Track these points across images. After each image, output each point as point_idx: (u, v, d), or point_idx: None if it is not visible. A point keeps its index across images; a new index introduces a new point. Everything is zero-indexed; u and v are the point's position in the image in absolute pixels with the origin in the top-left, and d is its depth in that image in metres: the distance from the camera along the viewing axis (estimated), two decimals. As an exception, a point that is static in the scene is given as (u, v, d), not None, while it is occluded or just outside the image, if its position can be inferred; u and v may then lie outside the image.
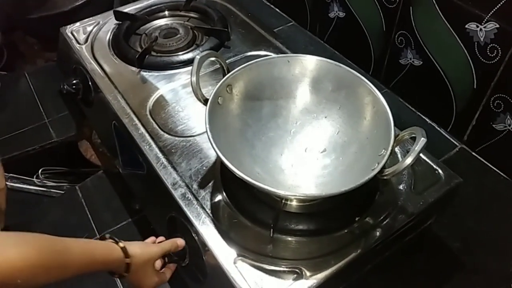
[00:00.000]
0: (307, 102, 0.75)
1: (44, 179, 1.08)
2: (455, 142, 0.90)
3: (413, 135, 0.58)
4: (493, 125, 0.81)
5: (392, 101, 0.79)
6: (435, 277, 0.73)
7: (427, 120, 0.94)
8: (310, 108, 0.75)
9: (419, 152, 0.55)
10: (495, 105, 0.79)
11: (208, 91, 0.70)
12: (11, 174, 1.04)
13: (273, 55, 0.95)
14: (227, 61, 0.76)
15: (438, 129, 0.92)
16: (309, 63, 0.73)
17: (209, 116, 0.65)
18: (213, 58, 0.71)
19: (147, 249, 0.64)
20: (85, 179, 1.00)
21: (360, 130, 0.69)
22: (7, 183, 0.83)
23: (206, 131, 0.63)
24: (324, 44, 1.12)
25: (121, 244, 0.61)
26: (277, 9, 1.24)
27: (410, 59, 0.91)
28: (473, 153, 0.88)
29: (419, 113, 0.95)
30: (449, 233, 0.77)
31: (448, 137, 0.91)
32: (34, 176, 1.07)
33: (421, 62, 0.89)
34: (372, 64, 1.02)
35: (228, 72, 0.71)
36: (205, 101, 0.68)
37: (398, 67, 0.95)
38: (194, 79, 0.68)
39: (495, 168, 0.85)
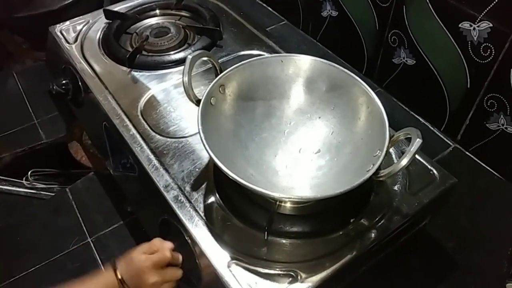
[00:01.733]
0: (301, 103, 0.74)
1: (33, 181, 1.06)
2: (448, 142, 0.89)
3: (408, 136, 0.58)
4: (487, 125, 0.81)
5: (386, 100, 0.79)
6: (430, 277, 0.73)
7: (421, 119, 0.94)
8: (304, 108, 0.74)
9: (415, 153, 0.55)
10: (488, 104, 0.79)
11: (200, 91, 0.69)
12: (-1, 177, 1.03)
13: (266, 54, 0.94)
14: (219, 61, 0.74)
15: (432, 128, 0.92)
16: (303, 63, 0.72)
17: (202, 117, 0.64)
18: (205, 58, 0.70)
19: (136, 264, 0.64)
20: (75, 181, 0.99)
21: (355, 131, 0.68)
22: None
23: (199, 132, 0.62)
24: (317, 43, 1.12)
25: (119, 276, 0.62)
26: (269, 8, 1.23)
27: (403, 58, 0.90)
28: (467, 153, 0.88)
29: (412, 113, 0.95)
30: (443, 233, 0.77)
31: (442, 136, 0.90)
32: (24, 178, 1.05)
33: (414, 62, 0.88)
34: (365, 64, 1.01)
35: (221, 72, 0.70)
36: (197, 102, 0.67)
37: (391, 67, 0.95)
38: (186, 79, 0.66)
39: (488, 168, 0.85)
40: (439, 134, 0.91)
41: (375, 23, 0.93)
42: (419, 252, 0.75)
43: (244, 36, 1.02)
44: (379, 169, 0.58)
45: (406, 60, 0.90)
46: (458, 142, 0.89)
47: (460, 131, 0.87)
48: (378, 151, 0.60)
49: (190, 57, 0.66)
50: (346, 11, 0.98)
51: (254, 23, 1.06)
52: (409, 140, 0.58)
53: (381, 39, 0.93)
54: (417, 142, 0.55)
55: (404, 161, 0.55)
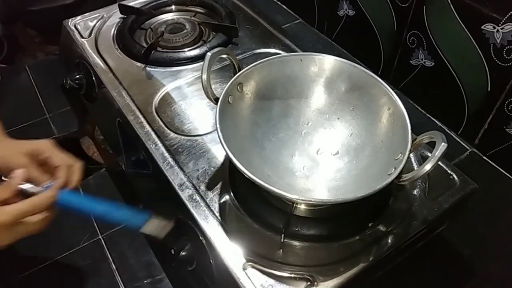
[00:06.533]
0: (319, 103, 0.73)
1: (44, 175, 1.05)
2: (465, 146, 0.88)
3: (432, 140, 0.57)
4: (507, 129, 0.80)
5: (402, 102, 0.78)
6: (446, 284, 0.72)
7: (437, 122, 0.92)
8: (322, 108, 0.73)
9: (440, 158, 0.53)
10: (509, 109, 0.77)
11: (215, 89, 0.68)
12: (10, 170, 1.02)
13: (284, 53, 0.92)
14: (234, 59, 0.73)
15: (449, 132, 0.90)
16: (323, 62, 0.70)
17: (220, 116, 0.62)
18: (224, 55, 0.69)
19: None
20: (86, 177, 0.98)
21: (375, 133, 0.67)
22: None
23: (217, 131, 0.61)
24: (332, 42, 1.10)
25: None
26: (283, 6, 1.21)
27: (422, 59, 0.89)
28: (484, 157, 0.86)
29: (428, 115, 0.93)
30: (459, 239, 0.75)
31: (459, 140, 0.89)
32: (34, 173, 1.04)
33: (433, 63, 0.87)
34: (381, 64, 1.00)
35: (239, 70, 0.69)
36: (215, 100, 0.66)
37: (408, 68, 0.93)
38: (205, 76, 0.65)
39: (506, 173, 0.83)
40: (456, 138, 0.89)
41: (394, 23, 0.91)
42: (435, 258, 0.74)
43: (260, 34, 1.01)
44: (401, 173, 0.57)
45: (424, 62, 0.89)
46: (475, 146, 0.87)
47: (478, 135, 0.86)
48: (400, 154, 0.59)
49: (209, 54, 0.65)
50: (363, 10, 0.97)
51: (270, 21, 1.05)
52: (430, 144, 0.57)
53: (399, 39, 0.92)
54: (442, 147, 0.53)
55: (428, 166, 0.53)
